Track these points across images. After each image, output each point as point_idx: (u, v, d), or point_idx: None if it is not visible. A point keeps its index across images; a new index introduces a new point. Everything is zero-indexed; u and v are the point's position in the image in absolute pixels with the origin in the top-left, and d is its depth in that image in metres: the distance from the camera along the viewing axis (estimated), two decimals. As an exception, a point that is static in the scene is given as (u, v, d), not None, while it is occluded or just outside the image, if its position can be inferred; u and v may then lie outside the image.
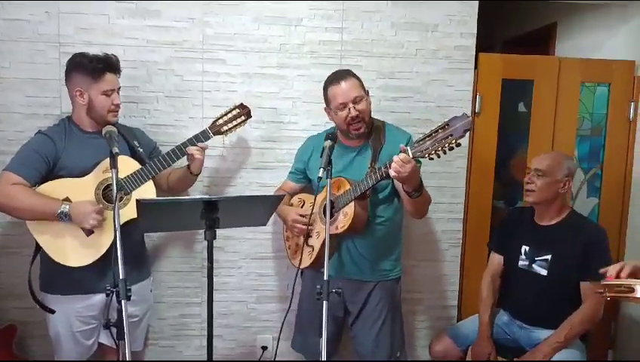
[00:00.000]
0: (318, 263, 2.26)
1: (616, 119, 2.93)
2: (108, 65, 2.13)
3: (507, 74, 2.82)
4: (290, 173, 2.50)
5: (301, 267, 2.25)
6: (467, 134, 1.87)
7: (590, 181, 3.00)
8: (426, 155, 1.88)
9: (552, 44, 3.73)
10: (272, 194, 2.45)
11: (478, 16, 2.66)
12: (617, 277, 1.67)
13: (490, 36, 4.24)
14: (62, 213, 2.02)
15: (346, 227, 2.13)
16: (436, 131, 1.87)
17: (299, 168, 2.44)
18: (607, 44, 3.19)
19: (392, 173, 1.92)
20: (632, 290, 1.58)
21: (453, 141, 1.83)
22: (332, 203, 2.08)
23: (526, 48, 3.72)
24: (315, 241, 2.27)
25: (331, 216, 2.14)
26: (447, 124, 1.85)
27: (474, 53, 2.69)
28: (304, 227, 2.25)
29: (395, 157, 1.90)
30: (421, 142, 1.90)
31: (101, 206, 2.08)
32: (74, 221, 2.04)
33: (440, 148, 1.85)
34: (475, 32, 2.67)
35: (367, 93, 2.21)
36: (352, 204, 2.12)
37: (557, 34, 3.70)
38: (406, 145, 1.96)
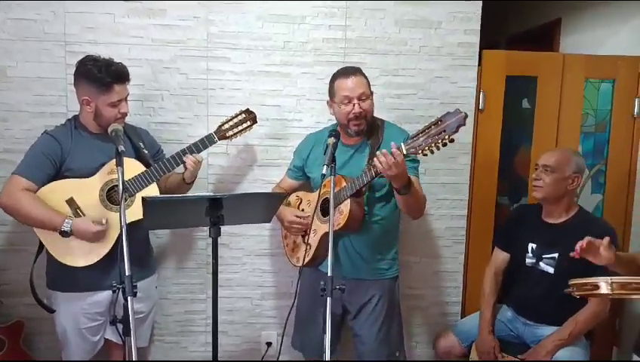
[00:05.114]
0: (315, 261, 2.28)
1: (620, 115, 2.92)
2: (117, 77, 2.08)
3: (511, 70, 2.81)
4: (288, 169, 2.50)
5: (301, 265, 2.25)
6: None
7: (594, 177, 2.99)
8: (420, 151, 1.89)
9: (556, 41, 3.71)
10: (275, 191, 2.46)
11: (482, 13, 2.66)
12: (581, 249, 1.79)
13: (495, 33, 4.24)
14: (64, 231, 2.03)
15: (342, 225, 2.12)
16: (429, 127, 1.87)
17: (297, 165, 2.44)
18: (611, 40, 3.18)
19: (377, 164, 1.91)
20: (597, 287, 1.65)
21: (447, 137, 1.84)
22: (328, 200, 2.08)
23: (530, 45, 3.71)
24: (312, 239, 2.25)
25: (328, 213, 2.14)
26: (440, 120, 1.86)
27: (477, 50, 2.69)
28: (302, 226, 2.25)
29: (384, 151, 1.90)
30: (415, 139, 1.90)
31: (104, 226, 2.08)
32: (75, 237, 2.06)
33: (433, 144, 1.86)
34: (479, 28, 2.67)
35: (371, 93, 2.21)
36: (348, 201, 2.11)
37: (561, 30, 3.69)
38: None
